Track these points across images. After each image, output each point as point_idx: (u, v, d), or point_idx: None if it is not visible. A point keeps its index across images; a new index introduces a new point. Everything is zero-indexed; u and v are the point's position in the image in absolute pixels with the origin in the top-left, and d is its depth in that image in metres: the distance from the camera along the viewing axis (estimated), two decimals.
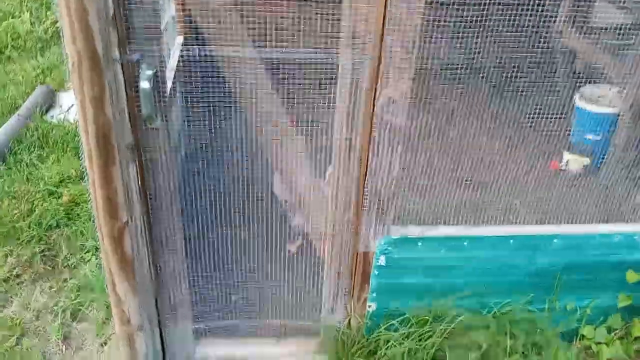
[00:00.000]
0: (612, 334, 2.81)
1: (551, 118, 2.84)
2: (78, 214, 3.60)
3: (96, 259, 3.24)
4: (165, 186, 2.17)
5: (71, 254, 3.33)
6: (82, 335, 2.91)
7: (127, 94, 1.93)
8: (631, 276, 2.68)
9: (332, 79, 2.13)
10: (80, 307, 3.02)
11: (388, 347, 2.60)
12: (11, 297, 3.09)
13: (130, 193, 2.05)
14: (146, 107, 1.91)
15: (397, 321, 2.66)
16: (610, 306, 2.79)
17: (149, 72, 1.87)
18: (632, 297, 2.73)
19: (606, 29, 3.44)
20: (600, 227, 2.67)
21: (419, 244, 2.54)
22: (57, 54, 5.77)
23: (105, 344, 2.85)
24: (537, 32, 2.54)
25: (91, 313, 3.00)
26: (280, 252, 2.96)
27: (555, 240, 2.59)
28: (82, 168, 2.41)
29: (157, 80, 1.94)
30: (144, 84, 1.86)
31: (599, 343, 2.81)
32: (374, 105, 2.15)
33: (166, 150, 2.10)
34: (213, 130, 2.35)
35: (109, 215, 2.00)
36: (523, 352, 2.64)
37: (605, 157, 3.65)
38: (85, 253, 3.33)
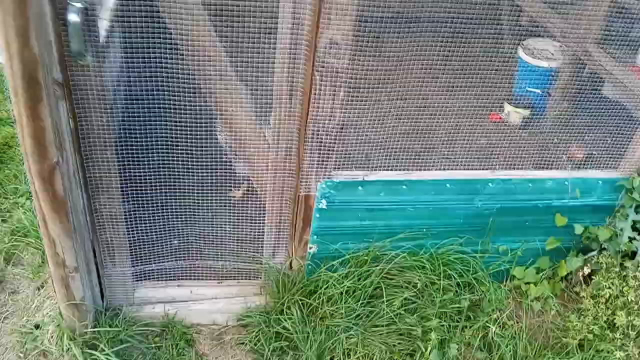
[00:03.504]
0: (540, 274, 2.97)
1: (495, 70, 2.88)
2: (11, 157, 3.46)
3: (30, 202, 3.14)
4: (98, 126, 2.10)
5: (4, 198, 3.22)
6: (17, 279, 2.85)
7: (54, 28, 1.82)
8: (559, 220, 2.81)
9: (272, 17, 2.08)
10: (15, 251, 2.94)
11: (328, 286, 2.67)
12: None
13: (60, 132, 1.97)
14: (75, 42, 1.81)
15: (337, 262, 2.72)
16: (539, 248, 2.93)
17: (78, 5, 1.77)
18: (560, 240, 2.87)
19: None
20: (532, 173, 2.77)
21: (360, 187, 2.57)
22: None
23: (42, 287, 2.80)
24: None
25: (26, 257, 2.93)
26: (223, 196, 2.94)
27: (490, 185, 2.68)
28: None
29: (88, 14, 1.84)
30: (73, 17, 1.76)
31: (528, 283, 2.97)
32: (315, 47, 2.12)
33: (99, 89, 2.02)
34: (153, 73, 2.28)
35: (37, 155, 1.92)
36: (456, 291, 2.76)
37: (545, 110, 3.76)
38: (19, 197, 3.22)
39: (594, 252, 2.87)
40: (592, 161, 2.85)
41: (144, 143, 2.50)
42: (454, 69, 3.41)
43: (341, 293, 2.65)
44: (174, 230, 2.78)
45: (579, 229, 2.84)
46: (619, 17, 2.90)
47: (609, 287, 2.74)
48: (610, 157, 2.83)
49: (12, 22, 1.67)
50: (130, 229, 2.51)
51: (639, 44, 2.95)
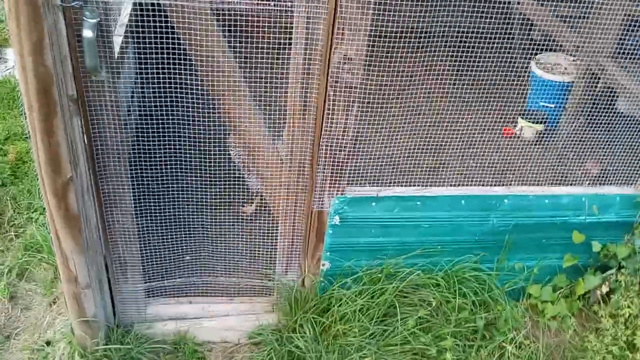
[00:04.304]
0: (557, 292, 2.91)
1: (507, 84, 2.87)
2: (25, 172, 3.48)
3: (44, 218, 3.15)
4: (113, 142, 2.10)
5: (18, 213, 3.23)
6: (30, 295, 2.85)
7: (69, 44, 1.83)
8: (577, 237, 2.76)
9: (287, 33, 2.08)
10: (28, 267, 2.94)
11: (341, 304, 2.63)
12: None
13: (75, 148, 1.98)
14: (90, 57, 1.82)
15: (351, 279, 2.68)
16: (556, 266, 2.88)
17: (93, 21, 1.77)
18: (577, 258, 2.82)
19: None
20: (548, 189, 2.73)
21: (373, 203, 2.54)
22: (1, 6, 5.48)
23: (54, 303, 2.79)
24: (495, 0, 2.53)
25: (39, 272, 2.92)
26: (235, 212, 2.94)
27: (505, 201, 2.64)
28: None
29: (102, 29, 1.85)
30: (87, 33, 1.77)
31: (545, 301, 2.91)
32: (329, 62, 2.11)
33: (113, 105, 2.02)
34: (166, 89, 2.29)
35: (51, 170, 1.92)
36: (471, 310, 2.71)
37: (558, 124, 3.73)
38: (32, 212, 3.23)
39: (613, 270, 2.81)
40: (609, 177, 2.81)
41: (157, 159, 2.51)
42: (467, 83, 3.40)
43: (354, 311, 2.61)
44: (186, 246, 2.77)
45: (596, 246, 2.79)
46: (633, 31, 2.87)
47: (629, 307, 2.68)
48: (628, 173, 2.78)
49: (27, 37, 1.68)
50: (142, 245, 2.50)
51: None
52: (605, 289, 2.81)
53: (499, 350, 2.69)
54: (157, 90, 2.28)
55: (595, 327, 2.84)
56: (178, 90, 2.26)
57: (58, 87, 1.80)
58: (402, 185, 2.60)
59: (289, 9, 2.00)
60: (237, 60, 2.16)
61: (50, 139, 1.86)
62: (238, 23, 2.10)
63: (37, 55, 1.71)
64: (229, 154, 2.89)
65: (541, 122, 3.81)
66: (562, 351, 2.81)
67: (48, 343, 2.59)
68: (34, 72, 1.73)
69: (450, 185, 2.70)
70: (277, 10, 2.02)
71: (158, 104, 2.34)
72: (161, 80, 2.22)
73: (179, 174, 2.80)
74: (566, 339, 2.84)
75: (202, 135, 2.54)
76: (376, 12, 2.03)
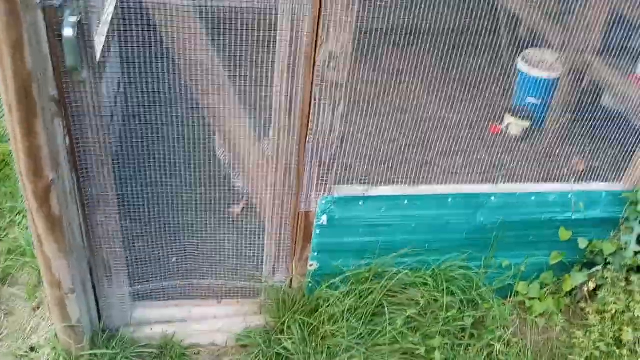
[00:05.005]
0: (545, 289, 2.92)
1: (494, 81, 2.86)
2: (7, 175, 3.42)
3: (27, 221, 3.10)
4: (95, 143, 2.06)
5: (0, 217, 3.17)
6: (13, 299, 2.80)
7: (49, 43, 1.80)
8: (563, 234, 2.77)
9: (271, 30, 2.06)
10: (10, 271, 2.89)
11: (329, 305, 2.62)
12: None
13: (56, 150, 1.94)
14: (70, 57, 1.78)
15: (339, 280, 2.67)
16: (543, 263, 2.89)
17: (73, 19, 1.74)
18: (563, 254, 2.83)
19: None
20: (535, 187, 2.73)
21: (360, 203, 2.53)
22: None
23: (38, 308, 2.74)
24: None
25: (22, 277, 2.87)
26: (222, 213, 2.90)
27: (492, 199, 2.64)
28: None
29: (83, 28, 1.81)
30: (67, 32, 1.74)
31: (532, 298, 2.92)
32: (314, 60, 2.09)
33: (96, 105, 1.99)
34: (150, 89, 2.26)
35: (32, 173, 1.88)
36: (459, 308, 2.71)
37: (545, 121, 3.74)
38: (15, 215, 3.17)
39: (599, 267, 2.82)
40: (595, 173, 2.82)
41: (141, 160, 2.47)
42: (453, 80, 3.40)
43: (342, 312, 2.60)
44: (172, 248, 2.73)
45: (582, 243, 2.80)
46: (618, 27, 2.89)
47: (615, 303, 2.69)
48: (614, 169, 2.79)
49: (5, 37, 1.64)
50: (127, 248, 2.47)
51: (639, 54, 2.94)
52: (592, 285, 2.82)
53: (487, 348, 2.69)
54: (141, 90, 2.25)
55: (582, 324, 2.85)
56: (162, 90, 2.23)
57: (38, 88, 1.77)
58: (389, 184, 2.59)
59: (273, 6, 1.98)
60: (222, 58, 2.14)
61: (30, 140, 1.82)
62: (222, 20, 2.08)
63: (16, 54, 1.67)
64: (215, 154, 2.87)
65: (528, 119, 3.82)
66: (550, 348, 2.82)
67: (32, 349, 2.55)
68: (13, 72, 1.69)
69: (437, 184, 2.70)
70: (261, 7, 2.00)
71: (142, 104, 2.31)
72: (144, 79, 2.19)
73: (165, 175, 2.76)
74: (554, 336, 2.85)
75: (187, 136, 2.51)
76: (361, 8, 2.01)
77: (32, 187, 1.93)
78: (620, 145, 2.76)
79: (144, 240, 2.56)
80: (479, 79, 2.79)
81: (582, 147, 2.83)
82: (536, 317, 2.87)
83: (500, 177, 2.71)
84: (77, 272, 2.28)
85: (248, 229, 2.64)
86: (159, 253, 2.64)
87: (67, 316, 2.33)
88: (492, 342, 2.68)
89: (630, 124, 2.80)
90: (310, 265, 2.64)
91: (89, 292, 2.45)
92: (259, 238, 2.63)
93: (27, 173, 1.90)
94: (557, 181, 2.80)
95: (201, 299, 2.75)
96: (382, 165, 2.63)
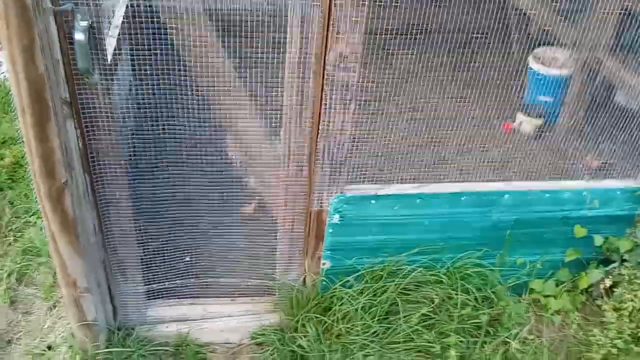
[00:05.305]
0: (560, 287, 2.89)
1: (505, 79, 2.84)
2: (22, 177, 3.46)
3: (42, 221, 3.13)
4: (108, 145, 2.08)
5: (16, 217, 3.21)
6: (30, 299, 2.83)
7: (61, 47, 1.81)
8: (579, 231, 2.74)
9: (281, 31, 2.05)
10: (27, 271, 2.93)
11: (343, 303, 2.62)
12: None
13: (69, 152, 1.96)
14: (82, 60, 1.80)
15: (352, 278, 2.67)
16: (558, 260, 2.86)
17: (84, 23, 1.75)
18: (579, 251, 2.80)
19: None
20: (549, 184, 2.70)
21: (373, 201, 2.52)
22: None
23: (54, 307, 2.78)
24: None
25: (38, 277, 2.91)
26: (235, 212, 2.91)
27: (506, 197, 2.62)
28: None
29: (94, 32, 1.83)
30: (79, 36, 1.75)
31: (547, 296, 2.89)
32: (324, 61, 2.09)
33: (108, 107, 2.00)
34: (161, 90, 2.27)
35: (46, 175, 1.90)
36: (474, 306, 2.69)
37: (557, 118, 3.70)
38: (30, 216, 3.21)
39: (615, 264, 2.79)
40: (610, 170, 2.78)
41: (154, 161, 2.48)
42: (464, 79, 3.37)
43: (356, 310, 2.60)
44: (186, 247, 2.75)
45: (598, 240, 2.77)
46: (630, 24, 2.84)
47: (632, 300, 2.65)
48: (629, 166, 2.76)
49: (17, 41, 1.66)
50: (142, 248, 2.49)
51: None
52: (608, 282, 2.78)
53: (503, 345, 2.68)
54: (153, 91, 2.26)
55: (599, 321, 2.82)
56: (173, 91, 2.24)
57: (51, 91, 1.78)
58: (401, 183, 2.58)
59: (283, 7, 1.97)
60: (232, 59, 2.14)
61: (43, 143, 1.84)
62: (233, 22, 2.08)
63: (28, 59, 1.69)
64: (228, 155, 2.88)
65: (540, 117, 3.79)
66: (566, 346, 2.80)
67: (49, 347, 2.58)
68: (26, 76, 1.71)
69: (451, 182, 2.68)
70: (271, 8, 1.99)
71: (153, 105, 2.32)
72: (156, 81, 2.20)
73: (178, 175, 2.78)
74: (570, 333, 2.82)
75: (200, 136, 2.52)
76: (371, 8, 2.00)
77: (46, 189, 1.95)
78: (634, 142, 2.72)
79: (159, 240, 2.57)
80: (490, 78, 2.76)
81: (596, 144, 2.80)
82: (552, 314, 2.84)
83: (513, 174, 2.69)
84: (92, 271, 2.30)
85: (261, 228, 2.65)
86: (173, 252, 2.66)
87: (82, 315, 2.36)
88: (507, 340, 2.67)
89: None
90: (324, 264, 2.64)
91: (104, 291, 2.48)
92: (272, 237, 2.64)
93: (40, 175, 1.92)
94: (571, 179, 2.77)
95: (216, 298, 2.76)
96: (394, 164, 2.62)
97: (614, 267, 2.78)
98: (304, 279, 2.70)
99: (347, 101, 2.18)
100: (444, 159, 2.97)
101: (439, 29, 2.63)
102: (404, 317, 2.61)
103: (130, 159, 2.38)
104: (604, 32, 2.89)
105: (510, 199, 2.63)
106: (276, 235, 2.60)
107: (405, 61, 2.60)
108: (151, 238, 2.54)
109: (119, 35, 2.23)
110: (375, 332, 2.60)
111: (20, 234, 3.12)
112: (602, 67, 3.14)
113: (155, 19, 2.00)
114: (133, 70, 2.61)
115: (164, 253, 2.61)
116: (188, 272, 2.71)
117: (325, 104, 2.18)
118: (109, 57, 1.99)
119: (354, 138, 2.34)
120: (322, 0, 1.94)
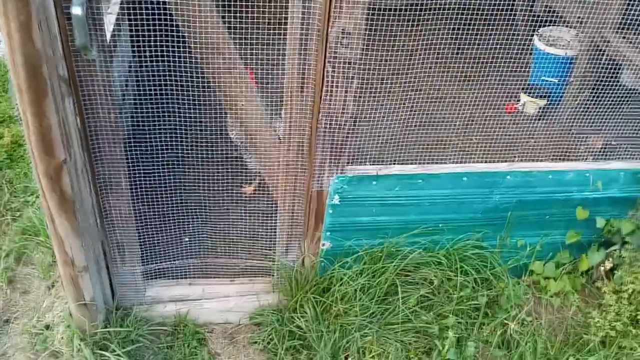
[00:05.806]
0: (560, 269, 2.89)
1: (510, 59, 2.80)
2: (21, 156, 3.44)
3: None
4: (107, 123, 2.05)
5: (14, 197, 3.19)
6: (28, 278, 2.82)
7: (58, 22, 1.77)
8: (580, 213, 2.72)
9: (282, 8, 2.01)
10: (25, 251, 2.91)
11: (341, 284, 2.61)
12: None
13: (67, 129, 1.93)
14: (80, 36, 1.76)
15: (351, 259, 2.66)
16: (559, 242, 2.85)
17: None
18: (580, 234, 2.79)
19: None
20: (552, 165, 2.68)
21: (374, 182, 2.50)
22: None
23: (53, 287, 2.77)
24: None
25: (37, 256, 2.90)
26: (234, 193, 2.90)
27: (508, 178, 2.60)
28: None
29: (92, 7, 1.79)
30: (76, 10, 1.71)
31: (547, 278, 2.89)
32: (327, 37, 2.05)
33: (106, 85, 1.97)
34: (162, 68, 2.23)
35: (44, 153, 1.88)
36: (473, 287, 2.69)
37: (561, 99, 3.67)
38: (29, 195, 3.19)
39: (616, 246, 2.78)
40: (613, 152, 2.76)
41: (153, 140, 2.46)
42: (468, 59, 3.33)
43: (355, 290, 2.59)
44: (184, 227, 2.74)
45: (600, 222, 2.75)
46: (637, 2, 2.80)
47: (632, 282, 2.65)
48: (632, 148, 2.73)
49: (14, 17, 1.62)
50: (140, 227, 2.47)
51: None
52: (608, 265, 2.78)
53: (501, 327, 2.68)
54: (151, 68, 2.23)
55: (598, 304, 2.82)
56: (173, 68, 2.21)
57: (48, 68, 1.75)
58: (403, 164, 2.56)
59: None
60: (233, 36, 2.11)
61: (41, 120, 1.81)
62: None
63: (25, 34, 1.65)
64: (228, 134, 2.85)
65: (544, 97, 3.75)
66: (565, 328, 2.80)
67: (47, 327, 2.58)
68: (22, 52, 1.67)
69: (452, 162, 2.66)
70: None
71: (153, 83, 2.29)
72: (156, 59, 2.16)
73: (177, 154, 2.75)
74: (569, 315, 2.83)
75: (200, 116, 2.49)
76: None
77: (44, 167, 1.92)
78: (638, 123, 2.70)
79: (157, 220, 2.56)
80: (494, 57, 2.73)
81: (600, 125, 2.77)
82: (551, 296, 2.84)
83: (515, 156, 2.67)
84: (90, 250, 2.28)
85: (261, 209, 2.63)
86: (171, 232, 2.64)
87: (80, 294, 2.35)
88: (506, 321, 2.67)
89: None
90: (323, 245, 2.63)
91: (102, 271, 2.46)
92: (271, 218, 2.62)
93: (38, 153, 1.89)
94: (575, 160, 2.75)
95: (214, 278, 2.75)
96: (396, 144, 2.60)
97: (615, 250, 2.78)
98: (303, 259, 2.68)
99: (349, 79, 2.15)
100: (447, 140, 2.95)
101: (443, 7, 2.59)
102: (403, 298, 2.61)
103: (129, 138, 2.35)
104: (610, 11, 2.86)
105: (512, 180, 2.61)
106: (276, 216, 2.58)
107: (409, 39, 2.57)
108: (150, 218, 2.53)
109: (118, 11, 2.19)
110: (373, 312, 2.60)
111: (19, 213, 3.10)
112: (608, 47, 3.11)
113: None
114: (132, 47, 2.58)
115: (162, 233, 2.60)
116: (187, 253, 2.70)
117: (327, 82, 2.14)
118: (108, 34, 1.96)
119: (356, 117, 2.31)
120: None
